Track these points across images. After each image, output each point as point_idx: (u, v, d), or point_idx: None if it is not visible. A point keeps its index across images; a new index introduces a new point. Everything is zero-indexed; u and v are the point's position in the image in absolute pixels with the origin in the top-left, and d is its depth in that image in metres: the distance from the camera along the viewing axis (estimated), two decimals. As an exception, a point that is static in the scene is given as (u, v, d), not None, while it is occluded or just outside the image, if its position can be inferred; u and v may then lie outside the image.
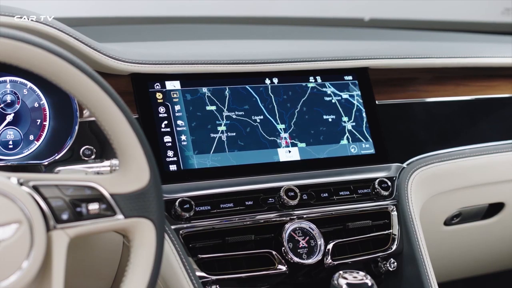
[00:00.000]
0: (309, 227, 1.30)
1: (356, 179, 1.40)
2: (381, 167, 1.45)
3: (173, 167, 1.28)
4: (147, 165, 0.92)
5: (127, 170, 0.91)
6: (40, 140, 1.26)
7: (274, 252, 1.27)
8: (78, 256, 1.11)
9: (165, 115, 1.32)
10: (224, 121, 1.35)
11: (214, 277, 1.22)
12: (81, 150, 1.23)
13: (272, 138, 1.38)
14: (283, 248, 1.27)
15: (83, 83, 0.89)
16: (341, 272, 1.17)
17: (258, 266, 1.26)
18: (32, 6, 1.23)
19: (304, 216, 1.32)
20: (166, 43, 1.63)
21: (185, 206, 1.22)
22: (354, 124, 1.45)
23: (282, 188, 1.31)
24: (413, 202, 1.41)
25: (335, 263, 1.30)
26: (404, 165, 1.47)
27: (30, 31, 1.11)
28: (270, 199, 1.31)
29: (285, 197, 1.30)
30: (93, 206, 0.88)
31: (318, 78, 1.45)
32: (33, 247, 0.84)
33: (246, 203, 1.30)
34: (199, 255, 1.23)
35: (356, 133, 1.44)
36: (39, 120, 1.27)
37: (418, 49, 1.64)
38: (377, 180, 1.40)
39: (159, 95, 1.32)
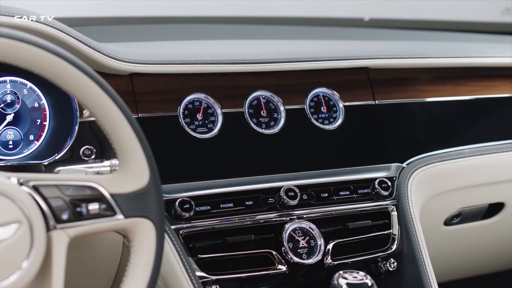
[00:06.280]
0: (309, 227, 1.31)
1: (356, 179, 1.40)
2: (381, 167, 1.45)
3: None
4: (147, 165, 0.92)
5: (127, 170, 0.91)
6: (40, 140, 1.26)
7: (274, 252, 1.27)
8: (78, 256, 1.11)
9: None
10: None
11: (214, 277, 1.22)
12: (81, 150, 1.23)
13: None
14: (283, 248, 1.27)
15: (83, 83, 0.89)
16: (341, 272, 1.17)
17: (258, 266, 1.26)
18: (32, 6, 1.23)
19: (304, 216, 1.32)
20: (166, 43, 1.63)
21: (185, 206, 1.22)
22: None
23: (282, 188, 1.31)
24: (413, 202, 1.41)
25: (335, 263, 1.30)
26: (404, 165, 1.47)
27: (30, 31, 1.11)
28: (270, 199, 1.31)
29: (285, 197, 1.30)
30: (93, 206, 0.88)
31: None
32: (33, 247, 0.84)
33: (246, 203, 1.30)
34: (199, 255, 1.23)
35: None
36: (39, 120, 1.27)
37: (418, 49, 1.64)
38: (377, 180, 1.40)
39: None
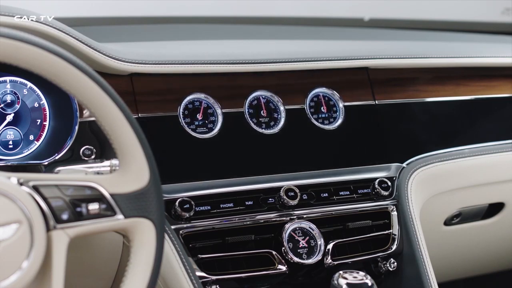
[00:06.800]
0: (309, 227, 1.31)
1: (356, 179, 1.40)
2: (381, 167, 1.45)
3: None
4: (147, 165, 0.92)
5: (127, 170, 0.91)
6: (40, 140, 1.26)
7: (274, 252, 1.27)
8: (78, 256, 1.11)
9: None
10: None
11: (214, 277, 1.22)
12: (81, 150, 1.23)
13: None
14: (283, 248, 1.27)
15: (83, 83, 0.89)
16: (341, 272, 1.17)
17: (258, 266, 1.26)
18: (32, 6, 1.23)
19: (304, 216, 1.32)
20: (166, 43, 1.63)
21: (185, 206, 1.22)
22: None
23: (282, 188, 1.31)
24: (413, 202, 1.41)
25: (335, 263, 1.30)
26: (404, 165, 1.47)
27: (30, 31, 1.11)
28: (270, 199, 1.31)
29: (285, 197, 1.30)
30: (93, 206, 0.88)
31: None
32: (33, 247, 0.84)
33: (246, 203, 1.30)
34: (199, 255, 1.23)
35: None
36: (39, 120, 1.27)
37: (418, 49, 1.64)
38: (377, 180, 1.40)
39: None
